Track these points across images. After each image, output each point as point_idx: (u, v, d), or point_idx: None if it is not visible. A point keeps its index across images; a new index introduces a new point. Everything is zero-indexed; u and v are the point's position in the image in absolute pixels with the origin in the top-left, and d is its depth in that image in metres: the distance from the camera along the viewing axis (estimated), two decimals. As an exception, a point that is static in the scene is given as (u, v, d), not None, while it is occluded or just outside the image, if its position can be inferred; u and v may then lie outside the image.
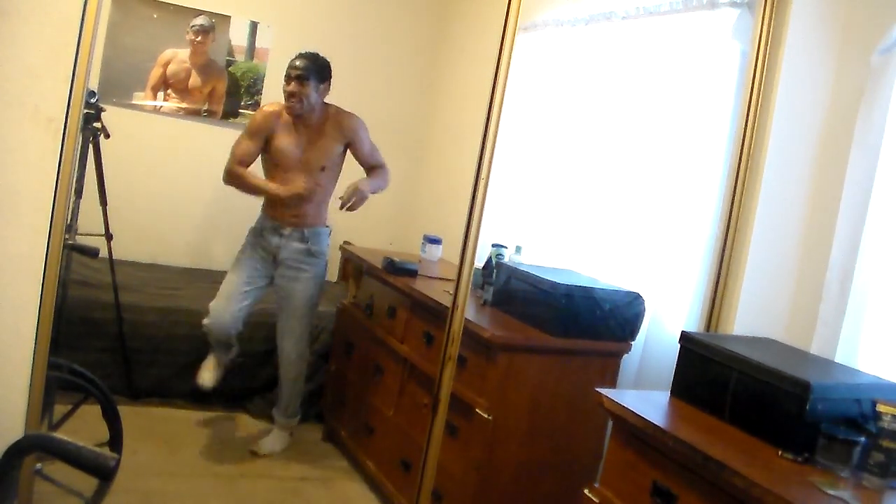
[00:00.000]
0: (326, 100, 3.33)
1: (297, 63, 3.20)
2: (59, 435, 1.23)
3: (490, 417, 2.50)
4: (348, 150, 3.40)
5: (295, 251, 3.33)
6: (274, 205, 3.31)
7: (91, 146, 3.11)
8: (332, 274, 4.85)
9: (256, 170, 3.34)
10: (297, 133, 3.27)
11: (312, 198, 3.29)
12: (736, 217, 2.50)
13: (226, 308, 3.28)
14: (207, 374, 3.39)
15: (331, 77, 3.29)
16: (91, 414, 2.56)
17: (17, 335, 1.84)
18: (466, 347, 2.52)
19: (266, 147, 3.28)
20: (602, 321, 2.64)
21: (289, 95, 3.19)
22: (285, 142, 3.26)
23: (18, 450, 1.24)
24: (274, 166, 3.30)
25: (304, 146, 3.27)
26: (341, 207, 3.24)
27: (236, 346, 3.48)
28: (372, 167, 3.43)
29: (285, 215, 3.30)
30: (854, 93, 2.35)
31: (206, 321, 3.31)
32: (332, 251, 4.69)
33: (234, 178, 3.25)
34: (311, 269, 3.36)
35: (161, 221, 4.51)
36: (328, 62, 3.30)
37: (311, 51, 3.30)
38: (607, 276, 2.92)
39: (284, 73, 3.25)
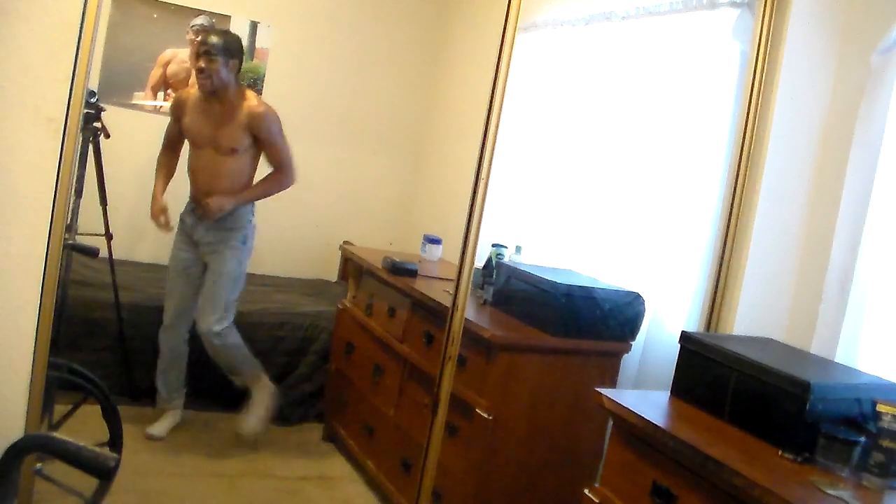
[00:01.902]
0: (263, 95, 3.33)
1: (206, 39, 3.16)
2: (59, 435, 1.23)
3: (490, 417, 2.50)
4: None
5: (209, 229, 3.30)
6: (191, 184, 3.33)
7: (91, 146, 3.11)
8: (332, 274, 4.85)
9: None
10: (208, 113, 3.23)
11: (220, 176, 3.25)
12: (736, 217, 2.50)
13: (170, 306, 3.33)
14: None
15: (242, 54, 3.25)
16: (91, 414, 2.56)
17: (17, 335, 1.84)
18: (466, 347, 2.52)
19: (182, 122, 3.31)
20: (602, 321, 2.63)
21: (198, 71, 3.17)
22: (195, 120, 3.26)
23: (18, 450, 1.24)
24: (189, 139, 3.32)
25: (213, 123, 3.23)
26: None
27: (177, 397, 3.45)
28: (273, 166, 3.34)
29: (198, 194, 3.29)
30: (854, 93, 2.35)
31: (161, 330, 3.34)
32: (328, 252, 4.72)
33: (157, 161, 3.40)
34: (227, 242, 3.30)
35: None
36: (239, 39, 3.28)
37: (223, 28, 3.30)
38: (607, 276, 2.92)
39: (194, 50, 3.25)
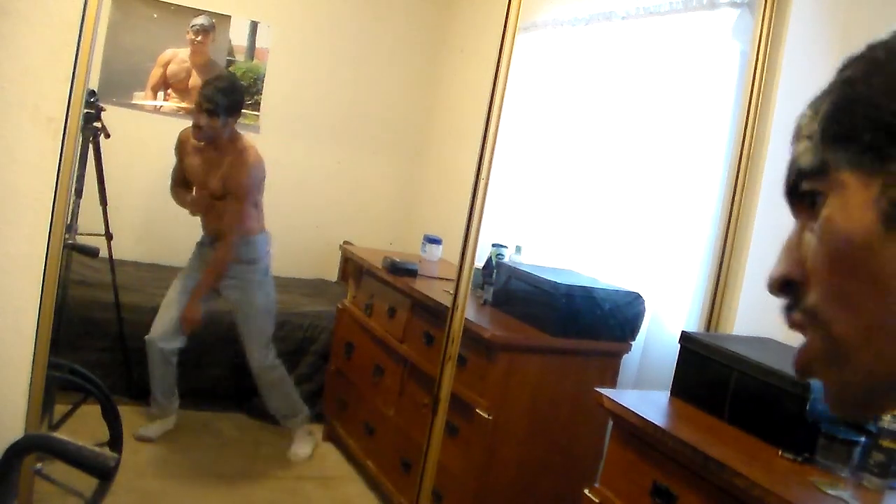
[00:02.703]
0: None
1: (210, 95, 3.06)
2: (59, 435, 1.23)
3: (490, 417, 2.50)
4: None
5: (230, 263, 3.29)
6: (202, 218, 3.35)
7: (91, 146, 3.11)
8: (332, 274, 4.85)
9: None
10: (203, 157, 3.24)
11: (224, 217, 3.23)
12: (736, 217, 2.50)
13: (161, 322, 3.28)
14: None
15: (242, 107, 3.22)
16: (91, 414, 2.56)
17: (17, 335, 1.84)
18: (466, 347, 2.52)
19: (181, 163, 3.33)
20: (602, 321, 2.63)
21: (195, 127, 3.16)
22: (192, 165, 3.28)
23: (18, 450, 1.24)
24: (191, 180, 3.33)
25: (207, 171, 3.23)
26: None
27: (171, 403, 3.41)
28: (233, 217, 3.21)
29: (209, 230, 3.33)
30: (854, 93, 2.35)
31: (147, 336, 3.28)
32: (328, 252, 4.72)
33: (173, 197, 3.37)
34: (248, 276, 3.32)
35: (161, 221, 4.51)
36: (241, 89, 3.28)
37: (228, 76, 3.27)
38: (607, 276, 2.92)
39: (195, 100, 3.15)
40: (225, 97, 3.07)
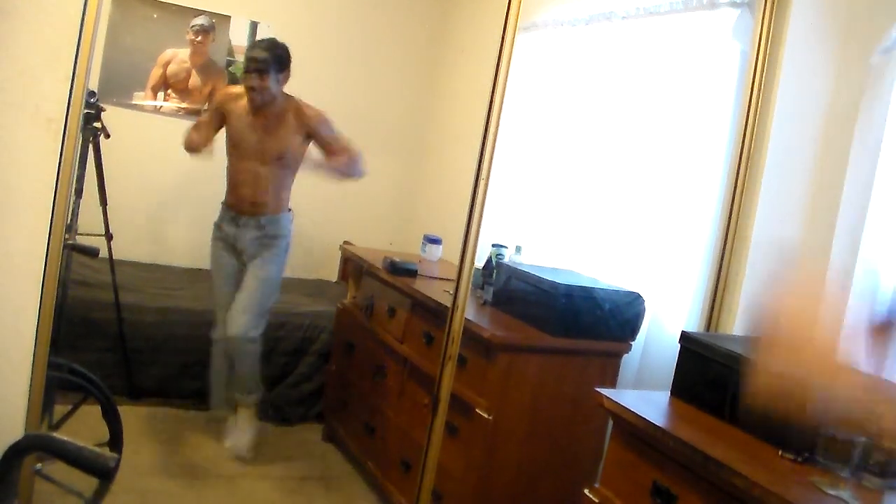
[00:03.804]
0: (293, 93, 3.28)
1: (256, 55, 3.12)
2: (59, 435, 1.23)
3: (490, 417, 2.50)
4: (312, 141, 3.32)
5: (252, 238, 3.29)
6: (232, 194, 3.31)
7: (91, 146, 3.11)
8: (332, 274, 4.85)
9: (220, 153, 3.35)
10: (256, 120, 3.22)
11: (266, 186, 3.25)
12: (736, 217, 2.50)
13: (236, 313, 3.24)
14: (243, 438, 3.35)
15: (290, 64, 3.22)
16: (91, 414, 2.56)
17: (17, 335, 1.84)
18: (466, 347, 2.52)
19: (227, 128, 3.28)
20: (602, 321, 2.63)
21: (249, 89, 3.15)
22: (243, 127, 3.24)
23: (18, 450, 1.24)
24: (233, 148, 3.28)
25: (261, 134, 3.22)
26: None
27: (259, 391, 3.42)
28: (339, 150, 3.30)
29: (242, 205, 3.29)
30: (854, 93, 2.35)
31: (217, 335, 3.29)
32: (328, 252, 4.72)
33: (186, 142, 3.28)
34: (269, 250, 3.31)
35: (161, 221, 4.51)
36: (287, 49, 3.23)
37: (269, 37, 3.25)
38: (607, 276, 2.92)
39: (244, 64, 3.19)
40: (271, 52, 3.12)
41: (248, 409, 3.40)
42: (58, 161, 1.81)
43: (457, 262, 2.38)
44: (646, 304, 2.71)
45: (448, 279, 3.19)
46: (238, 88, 3.30)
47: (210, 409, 3.48)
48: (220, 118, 3.29)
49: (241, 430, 3.37)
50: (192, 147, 3.27)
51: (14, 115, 1.76)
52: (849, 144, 2.33)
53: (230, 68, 4.51)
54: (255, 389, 3.40)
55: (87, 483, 2.27)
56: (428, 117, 4.94)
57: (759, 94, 2.47)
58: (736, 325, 2.48)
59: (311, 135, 3.27)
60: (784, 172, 2.48)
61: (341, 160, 3.29)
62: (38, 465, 2.24)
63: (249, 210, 3.28)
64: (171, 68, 4.41)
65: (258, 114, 3.22)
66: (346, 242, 4.37)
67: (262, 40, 3.25)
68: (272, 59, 3.11)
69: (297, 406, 3.84)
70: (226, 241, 3.34)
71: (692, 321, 2.64)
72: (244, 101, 3.23)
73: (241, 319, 3.22)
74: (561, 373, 2.62)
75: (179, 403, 3.73)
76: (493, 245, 3.10)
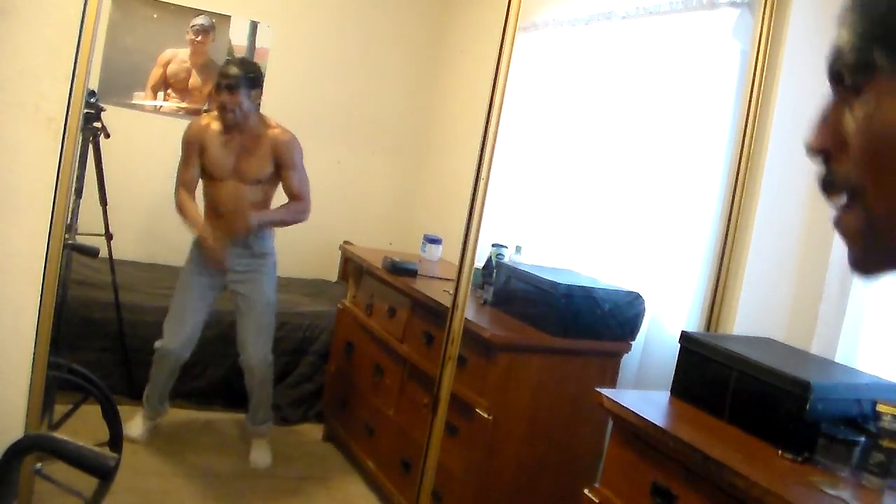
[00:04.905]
0: (276, 118, 3.23)
1: (227, 71, 3.07)
2: (59, 435, 1.23)
3: (490, 417, 2.50)
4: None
5: (240, 256, 3.24)
6: (214, 216, 3.23)
7: (91, 146, 3.11)
8: (333, 274, 4.85)
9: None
10: (230, 143, 3.16)
11: (249, 205, 3.19)
12: (736, 217, 2.50)
13: (181, 331, 3.19)
14: (136, 428, 3.28)
15: (262, 83, 3.18)
16: (91, 414, 2.56)
17: (17, 335, 1.84)
18: (466, 347, 2.52)
19: (202, 156, 3.19)
20: (602, 321, 2.63)
21: (220, 106, 3.10)
22: (216, 153, 3.17)
23: (18, 450, 1.24)
24: (208, 178, 3.22)
25: (237, 156, 3.17)
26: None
27: (166, 405, 3.40)
28: (291, 196, 3.25)
29: (229, 228, 3.20)
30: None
31: (158, 344, 3.21)
32: (328, 252, 4.72)
33: (177, 207, 3.21)
34: (261, 269, 3.29)
35: (161, 221, 4.50)
36: (259, 68, 3.22)
37: (241, 56, 3.24)
38: (607, 276, 2.92)
39: (214, 82, 3.14)
40: (242, 70, 3.08)
41: (263, 438, 3.40)
42: (58, 161, 1.82)
43: (457, 262, 2.38)
44: (646, 303, 2.71)
45: (448, 279, 3.19)
46: (206, 118, 3.26)
47: (149, 417, 3.37)
48: (197, 151, 3.20)
49: (261, 452, 3.37)
50: (186, 210, 3.20)
51: (14, 114, 1.76)
52: (849, 144, 2.32)
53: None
54: (271, 417, 3.43)
55: (87, 483, 2.26)
56: (428, 117, 4.94)
57: (759, 94, 2.47)
58: (736, 325, 2.48)
59: (279, 158, 3.18)
60: (784, 172, 2.48)
61: (280, 213, 3.26)
62: (38, 465, 2.24)
63: (234, 232, 3.20)
64: (172, 68, 4.41)
65: (232, 133, 3.15)
66: (346, 242, 4.37)
67: (234, 58, 3.24)
68: (243, 75, 3.06)
69: (297, 406, 3.84)
70: (204, 263, 3.23)
71: (692, 321, 2.64)
72: (215, 125, 3.17)
73: (258, 349, 3.26)
74: (561, 373, 2.62)
75: (179, 403, 3.72)
76: (493, 245, 3.10)
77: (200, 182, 3.25)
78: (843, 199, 0.57)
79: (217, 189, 3.20)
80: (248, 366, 3.27)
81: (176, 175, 3.22)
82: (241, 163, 3.16)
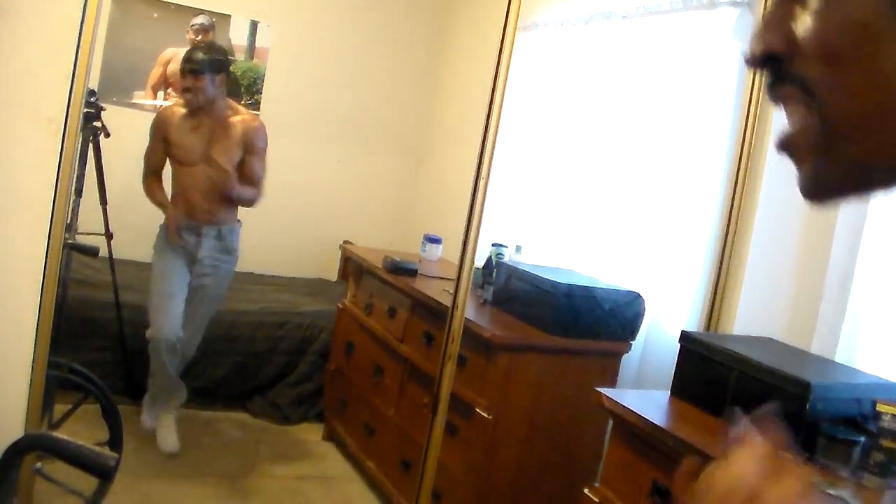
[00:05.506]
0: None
1: (191, 56, 3.09)
2: (59, 435, 1.23)
3: (490, 417, 2.50)
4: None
5: (212, 249, 3.25)
6: (183, 201, 3.23)
7: (91, 146, 3.11)
8: (333, 273, 4.85)
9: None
10: (198, 129, 3.17)
11: (219, 192, 3.19)
12: (736, 217, 2.50)
13: (168, 319, 3.17)
14: (171, 437, 3.27)
15: (228, 68, 3.19)
16: (91, 414, 2.57)
17: (17, 335, 1.84)
18: (466, 347, 2.52)
19: (169, 142, 3.21)
20: (602, 321, 2.63)
21: (184, 90, 3.12)
22: (184, 138, 3.18)
23: (18, 449, 1.24)
24: (178, 164, 3.23)
25: (207, 141, 3.17)
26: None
27: (182, 387, 3.38)
28: (251, 182, 3.23)
29: (196, 212, 3.22)
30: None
31: (149, 333, 3.18)
32: (328, 252, 4.73)
33: (145, 189, 3.26)
34: (225, 266, 3.31)
35: (161, 221, 4.50)
36: (226, 53, 3.23)
37: (209, 41, 3.24)
38: (607, 276, 2.92)
39: (180, 67, 3.17)
40: (206, 54, 3.09)
41: (172, 413, 3.34)
42: (58, 160, 1.82)
43: (457, 262, 2.38)
44: (646, 303, 2.71)
45: (448, 279, 3.18)
46: (177, 105, 3.27)
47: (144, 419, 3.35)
48: (163, 135, 3.21)
49: (169, 433, 3.30)
50: (153, 194, 3.25)
51: (14, 114, 1.76)
52: (849, 144, 2.32)
53: (230, 68, 4.51)
54: (182, 388, 3.37)
55: (87, 483, 2.26)
56: (428, 117, 4.94)
57: (759, 94, 2.47)
58: (736, 325, 2.48)
59: (248, 144, 3.20)
60: (784, 172, 2.48)
61: (248, 192, 3.23)
62: (38, 465, 2.24)
63: (208, 219, 3.23)
64: (172, 67, 4.40)
65: (198, 119, 3.16)
66: (346, 242, 4.37)
67: (201, 43, 3.23)
68: (207, 60, 3.07)
69: (297, 406, 3.84)
70: (184, 248, 3.24)
71: (692, 321, 2.64)
72: (181, 112, 3.19)
73: (197, 333, 3.30)
74: (561, 372, 2.62)
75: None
76: (493, 244, 3.10)
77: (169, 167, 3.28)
78: (791, 106, 0.50)
79: (187, 175, 3.22)
80: (175, 343, 3.19)
81: (143, 160, 3.27)
82: (210, 148, 3.18)
